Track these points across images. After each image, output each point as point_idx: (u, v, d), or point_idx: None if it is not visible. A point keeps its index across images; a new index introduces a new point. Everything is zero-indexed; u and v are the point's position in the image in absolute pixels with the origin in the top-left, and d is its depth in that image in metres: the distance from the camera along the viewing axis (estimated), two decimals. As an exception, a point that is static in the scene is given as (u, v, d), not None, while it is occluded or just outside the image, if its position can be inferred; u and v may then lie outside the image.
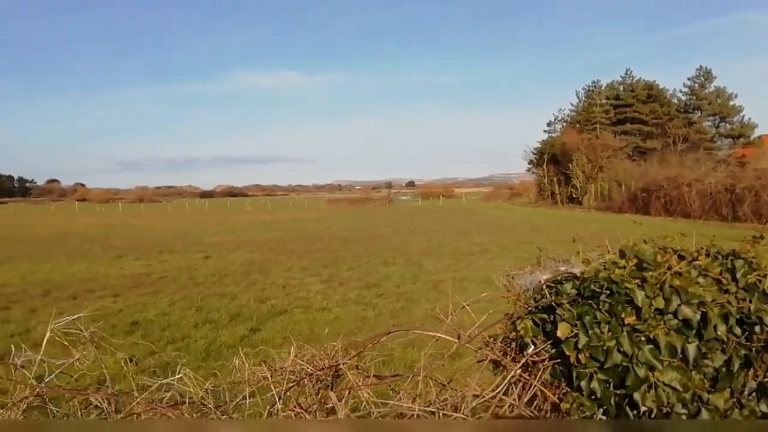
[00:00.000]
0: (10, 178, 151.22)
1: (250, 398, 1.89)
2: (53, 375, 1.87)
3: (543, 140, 70.24)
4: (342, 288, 13.03)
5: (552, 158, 64.16)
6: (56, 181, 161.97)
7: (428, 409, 2.08)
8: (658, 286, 1.93)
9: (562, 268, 2.10)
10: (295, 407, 1.90)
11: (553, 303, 2.01)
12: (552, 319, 2.06)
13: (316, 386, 2.10)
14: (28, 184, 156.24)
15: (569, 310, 1.96)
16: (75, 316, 2.01)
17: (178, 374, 1.79)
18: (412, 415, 1.99)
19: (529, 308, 2.08)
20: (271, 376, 1.88)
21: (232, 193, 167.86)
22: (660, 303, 1.92)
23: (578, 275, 2.08)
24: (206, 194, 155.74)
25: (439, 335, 2.19)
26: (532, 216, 44.41)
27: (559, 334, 1.93)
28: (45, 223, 44.71)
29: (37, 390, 1.78)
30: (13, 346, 2.00)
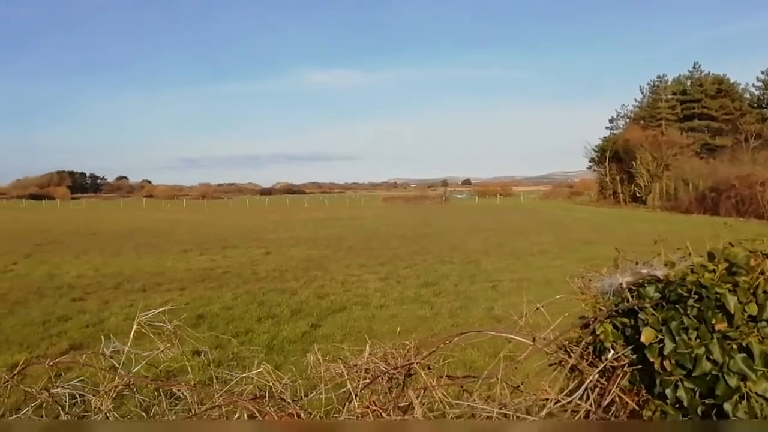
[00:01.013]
0: (83, 174, 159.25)
1: (325, 394, 1.91)
2: (140, 365, 1.95)
3: (605, 137, 68.24)
4: (400, 286, 13.06)
5: (614, 156, 62.18)
6: (125, 177, 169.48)
7: (502, 411, 2.05)
8: (751, 291, 1.83)
9: (644, 271, 2.02)
10: (369, 405, 1.91)
11: (635, 307, 1.94)
12: (633, 323, 1.99)
13: (387, 384, 2.10)
14: (99, 181, 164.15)
15: (653, 314, 1.89)
16: (159, 310, 2.09)
17: (258, 368, 1.83)
18: (487, 416, 1.96)
19: (609, 312, 2.01)
20: (347, 373, 1.89)
21: (291, 190, 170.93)
22: (753, 309, 1.82)
23: (661, 278, 2.00)
24: (266, 191, 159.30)
25: (514, 337, 2.15)
26: (593, 215, 43.23)
27: (643, 339, 1.86)
28: (115, 218, 46.83)
29: (125, 380, 1.86)
30: (103, 337, 2.09)
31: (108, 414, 1.78)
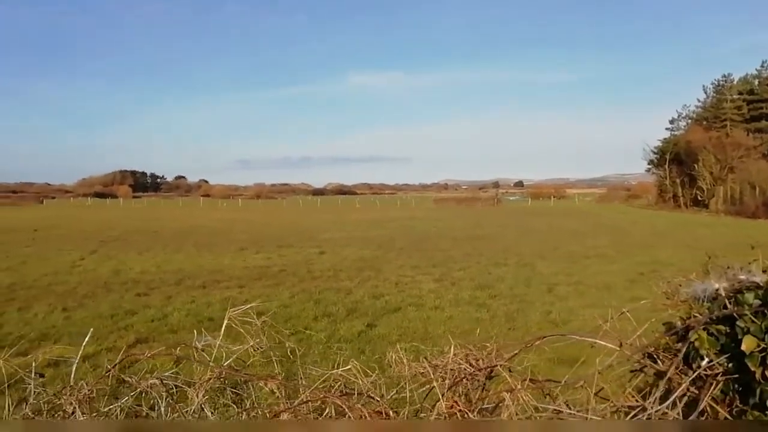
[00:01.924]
0: (144, 174, 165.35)
1: (410, 393, 1.92)
2: (230, 359, 2.01)
3: (665, 139, 65.92)
4: (454, 288, 13.00)
5: (675, 158, 60.01)
6: (183, 177, 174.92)
7: (587, 416, 2.01)
8: None
9: (742, 277, 1.94)
10: (454, 405, 1.91)
11: (734, 314, 1.86)
12: (729, 331, 1.92)
13: (467, 386, 2.09)
14: (159, 180, 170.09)
15: (753, 322, 1.81)
16: (248, 306, 2.14)
17: (347, 366, 1.85)
18: (573, 421, 1.93)
19: (705, 318, 1.94)
20: (432, 373, 1.89)
21: (342, 191, 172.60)
22: None
23: (761, 284, 1.91)
24: (318, 192, 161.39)
25: (599, 342, 2.10)
26: (652, 219, 41.83)
27: (744, 347, 1.79)
28: (174, 216, 48.37)
29: (217, 373, 1.92)
30: (195, 332, 2.16)
31: (203, 406, 1.84)
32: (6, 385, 1.95)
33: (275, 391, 1.89)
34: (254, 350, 2.06)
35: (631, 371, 2.31)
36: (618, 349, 2.16)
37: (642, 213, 52.46)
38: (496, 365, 2.07)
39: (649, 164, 67.37)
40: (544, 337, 2.28)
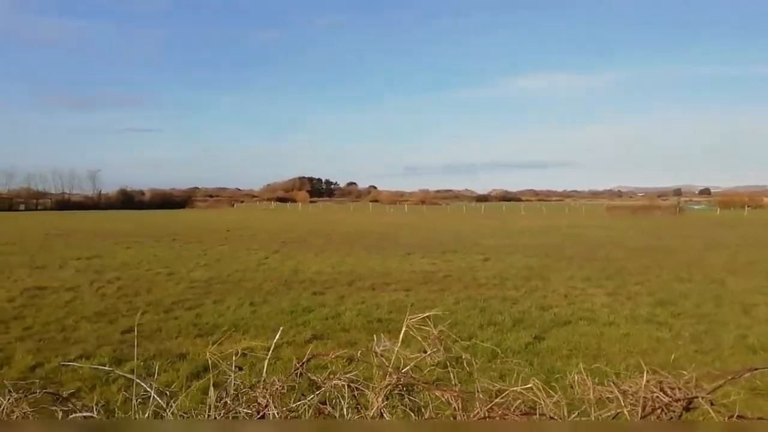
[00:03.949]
0: (320, 180, 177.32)
1: (595, 420, 1.79)
2: (408, 366, 2.04)
3: None
4: (630, 303, 12.09)
5: None
6: (354, 183, 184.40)
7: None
8: None
9: None
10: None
11: None
12: None
13: (662, 417, 1.90)
14: (332, 186, 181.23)
15: None
16: (425, 314, 2.16)
17: (528, 384, 1.78)
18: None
19: None
20: (622, 400, 1.75)
21: (506, 197, 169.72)
22: None
23: None
24: (481, 198, 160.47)
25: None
26: None
27: None
28: (346, 220, 51.10)
29: (396, 378, 1.96)
30: (375, 337, 2.23)
31: (382, 410, 1.89)
32: (211, 374, 2.17)
33: (452, 402, 1.87)
34: (431, 358, 2.07)
35: None
36: None
37: None
38: (696, 397, 1.86)
39: None
40: (756, 369, 2.00)
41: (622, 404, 1.73)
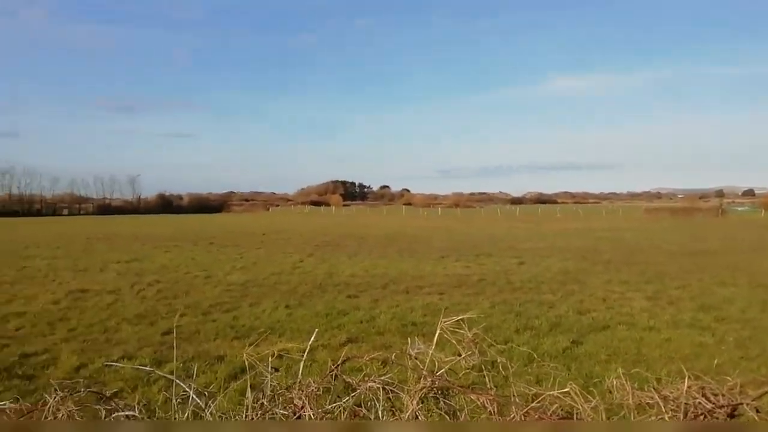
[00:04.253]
0: (353, 184, 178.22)
1: (634, 425, 1.76)
2: (442, 370, 2.03)
3: None
4: (671, 308, 11.79)
5: None
6: (387, 186, 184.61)
7: None
8: None
9: None
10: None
11: None
12: None
13: (705, 424, 1.85)
14: (365, 189, 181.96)
15: None
16: (459, 317, 2.15)
17: (565, 388, 1.76)
18: None
19: None
20: (663, 405, 1.71)
21: (541, 200, 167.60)
22: None
23: None
24: (516, 200, 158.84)
25: None
26: None
27: None
28: (379, 224, 51.18)
29: (430, 381, 1.95)
30: (409, 339, 2.23)
31: (417, 413, 1.89)
32: (248, 376, 2.20)
33: (487, 405, 1.86)
34: (465, 362, 2.06)
35: None
36: None
37: None
38: (741, 403, 1.81)
39: None
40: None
41: (663, 410, 1.69)
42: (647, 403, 1.82)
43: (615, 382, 1.93)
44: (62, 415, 2.00)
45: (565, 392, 1.74)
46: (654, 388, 1.78)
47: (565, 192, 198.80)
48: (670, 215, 66.91)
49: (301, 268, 17.94)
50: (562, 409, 1.79)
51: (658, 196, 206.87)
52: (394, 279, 15.56)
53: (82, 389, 2.12)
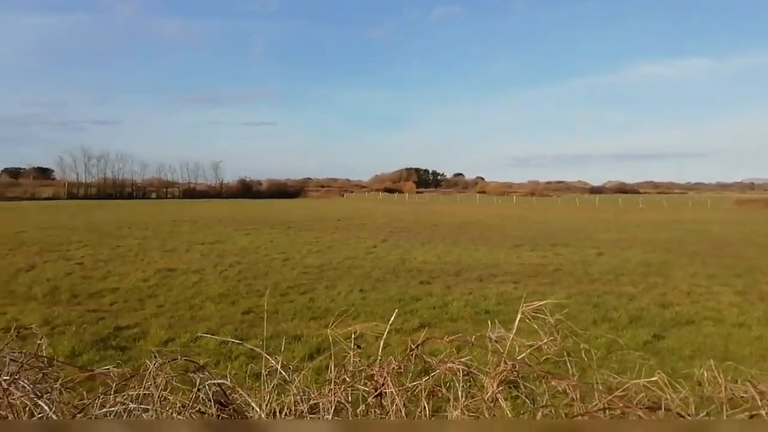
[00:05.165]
0: (426, 171, 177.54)
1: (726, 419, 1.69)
2: (523, 354, 2.03)
3: None
4: (763, 304, 11.13)
5: None
6: (461, 174, 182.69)
7: None
8: None
9: None
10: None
11: None
12: None
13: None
14: (439, 177, 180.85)
15: None
16: (542, 302, 2.14)
17: (653, 377, 1.72)
18: None
19: None
20: (759, 399, 1.64)
21: (623, 189, 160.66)
22: None
23: None
24: (596, 190, 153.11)
25: None
26: None
27: None
28: (452, 211, 50.88)
29: (510, 365, 1.96)
30: (490, 322, 2.24)
31: (497, 396, 1.90)
32: (332, 351, 2.29)
33: (569, 392, 1.85)
34: (547, 348, 2.05)
35: None
36: None
37: None
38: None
39: None
40: None
41: (759, 404, 1.62)
42: (741, 397, 1.75)
43: (706, 374, 1.87)
44: (161, 380, 2.15)
45: (653, 381, 1.70)
46: (749, 382, 1.70)
47: (649, 182, 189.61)
48: (764, 207, 62.52)
49: (374, 254, 18.16)
50: (648, 399, 1.75)
51: (750, 186, 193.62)
52: (467, 267, 15.48)
53: (179, 356, 2.27)
